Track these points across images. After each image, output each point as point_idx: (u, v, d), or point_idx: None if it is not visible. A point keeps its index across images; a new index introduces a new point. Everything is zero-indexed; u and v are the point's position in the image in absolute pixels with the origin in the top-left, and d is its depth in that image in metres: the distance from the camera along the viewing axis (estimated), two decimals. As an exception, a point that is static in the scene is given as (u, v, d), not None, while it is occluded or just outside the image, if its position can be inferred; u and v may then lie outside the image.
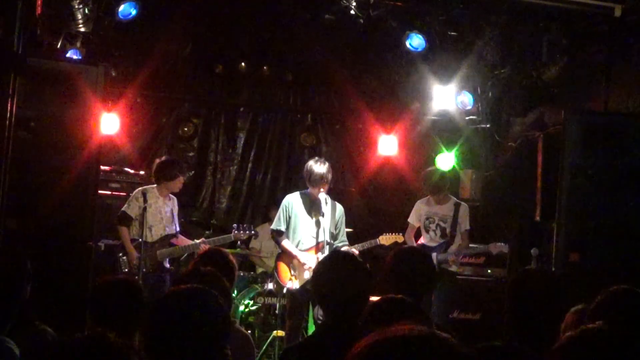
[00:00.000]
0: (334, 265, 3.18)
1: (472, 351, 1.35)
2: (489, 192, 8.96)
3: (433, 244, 6.95)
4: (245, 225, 7.21)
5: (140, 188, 6.82)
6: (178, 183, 6.87)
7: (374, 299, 3.16)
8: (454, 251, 6.90)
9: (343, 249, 6.38)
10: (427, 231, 7.06)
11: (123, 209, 6.70)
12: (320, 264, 3.32)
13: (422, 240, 7.08)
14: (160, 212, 6.72)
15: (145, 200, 6.55)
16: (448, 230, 6.96)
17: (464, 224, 7.01)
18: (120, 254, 6.66)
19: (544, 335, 2.80)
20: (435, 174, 7.30)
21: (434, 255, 6.80)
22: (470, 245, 7.14)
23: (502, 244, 6.98)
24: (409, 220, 7.20)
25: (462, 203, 7.18)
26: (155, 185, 6.84)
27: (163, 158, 7.26)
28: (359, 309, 2.97)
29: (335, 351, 2.87)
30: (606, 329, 1.60)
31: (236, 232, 7.09)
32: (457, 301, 7.46)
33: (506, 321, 2.87)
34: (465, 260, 7.74)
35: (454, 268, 6.99)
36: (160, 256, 6.69)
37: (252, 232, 7.25)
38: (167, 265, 6.85)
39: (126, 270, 6.57)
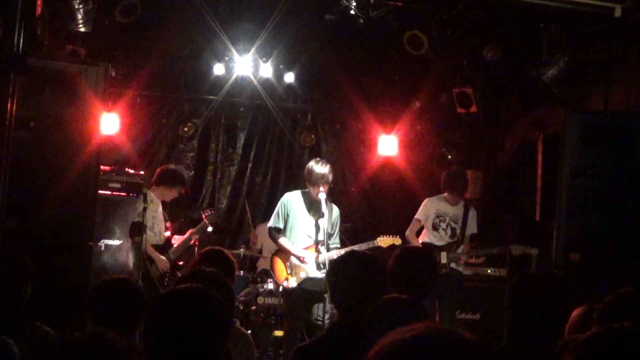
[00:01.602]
0: (349, 264, 3.20)
1: (492, 350, 1.34)
2: (489, 192, 8.96)
3: (441, 243, 6.93)
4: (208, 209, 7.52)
5: (148, 194, 6.81)
6: (175, 193, 7.02)
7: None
8: (466, 251, 6.88)
9: (333, 251, 6.38)
10: (436, 229, 7.01)
11: (137, 219, 6.70)
12: (336, 263, 3.36)
13: (426, 239, 7.03)
14: (159, 213, 6.80)
15: (145, 201, 6.57)
16: (459, 231, 6.95)
17: (472, 227, 7.00)
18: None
19: (548, 336, 2.79)
20: (461, 176, 7.25)
21: (443, 254, 6.79)
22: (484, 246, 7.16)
23: (524, 245, 6.90)
24: (417, 217, 7.11)
25: (472, 206, 7.18)
26: (152, 188, 6.84)
27: (173, 166, 7.42)
28: None
29: (347, 350, 2.88)
30: (634, 328, 1.58)
31: (205, 215, 7.33)
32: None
33: (507, 322, 2.87)
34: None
35: (460, 268, 7.00)
36: (173, 255, 6.87)
37: (212, 212, 7.50)
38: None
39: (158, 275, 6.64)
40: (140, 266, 6.50)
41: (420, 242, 6.99)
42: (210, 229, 7.33)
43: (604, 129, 6.18)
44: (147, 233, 6.63)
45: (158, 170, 7.09)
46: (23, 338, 3.10)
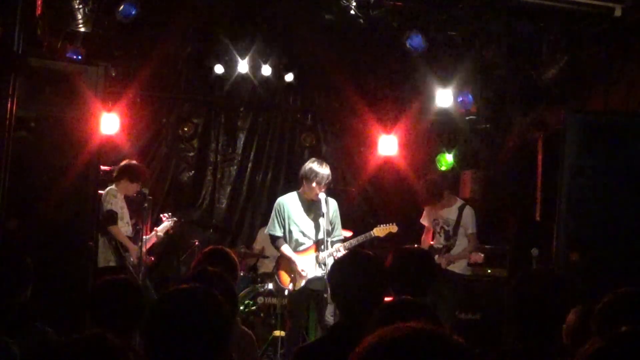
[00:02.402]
0: (350, 265, 3.20)
1: (475, 350, 1.34)
2: (489, 192, 8.96)
3: (438, 246, 6.96)
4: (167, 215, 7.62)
5: (112, 187, 6.99)
6: (135, 188, 7.12)
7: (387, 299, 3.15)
8: (445, 256, 6.88)
9: (337, 244, 6.38)
10: (435, 233, 7.11)
11: (110, 207, 6.82)
12: (337, 263, 3.36)
13: (431, 242, 7.12)
14: (125, 206, 6.94)
15: (145, 199, 6.69)
16: (451, 233, 6.96)
17: (468, 227, 6.95)
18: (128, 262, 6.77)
19: (547, 335, 2.79)
20: (433, 184, 7.16)
21: (436, 257, 6.80)
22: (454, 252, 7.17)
23: (481, 254, 7.07)
24: (421, 221, 7.27)
25: (468, 206, 7.09)
26: (114, 183, 7.04)
27: (135, 162, 7.50)
28: (373, 309, 2.98)
29: (349, 351, 2.87)
30: None
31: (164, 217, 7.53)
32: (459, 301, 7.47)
33: (507, 322, 2.88)
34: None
35: (465, 270, 6.99)
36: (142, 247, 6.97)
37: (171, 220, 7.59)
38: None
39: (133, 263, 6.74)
40: (121, 257, 6.65)
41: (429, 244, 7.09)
42: (169, 223, 7.45)
43: (604, 129, 6.18)
44: (119, 223, 6.80)
45: (120, 165, 7.19)
46: (23, 338, 3.09)
